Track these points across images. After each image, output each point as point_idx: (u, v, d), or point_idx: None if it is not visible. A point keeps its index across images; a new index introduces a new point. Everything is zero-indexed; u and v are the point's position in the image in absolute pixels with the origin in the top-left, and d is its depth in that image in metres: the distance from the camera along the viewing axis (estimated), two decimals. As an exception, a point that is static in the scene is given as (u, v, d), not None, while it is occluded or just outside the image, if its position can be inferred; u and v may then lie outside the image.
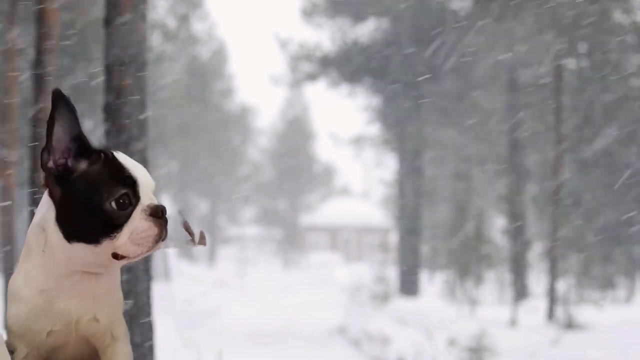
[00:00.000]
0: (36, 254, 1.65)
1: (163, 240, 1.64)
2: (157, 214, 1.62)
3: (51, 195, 1.62)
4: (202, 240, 1.81)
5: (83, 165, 1.60)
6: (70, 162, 1.60)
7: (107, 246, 1.59)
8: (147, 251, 1.62)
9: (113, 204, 1.58)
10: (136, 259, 1.64)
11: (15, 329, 1.67)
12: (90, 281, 1.66)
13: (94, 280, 1.66)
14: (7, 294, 1.70)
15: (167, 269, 27.64)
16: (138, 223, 1.59)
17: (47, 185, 1.62)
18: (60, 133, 1.59)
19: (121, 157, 1.64)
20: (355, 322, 15.84)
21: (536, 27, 16.14)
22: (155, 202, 1.64)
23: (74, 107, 1.61)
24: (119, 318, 1.73)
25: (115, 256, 1.61)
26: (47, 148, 1.59)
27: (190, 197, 40.45)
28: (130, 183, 1.60)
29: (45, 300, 1.64)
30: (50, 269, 1.63)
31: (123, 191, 1.59)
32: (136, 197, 1.60)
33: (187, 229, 1.79)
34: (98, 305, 1.68)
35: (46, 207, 1.64)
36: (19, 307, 1.65)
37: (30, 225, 1.69)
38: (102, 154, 1.62)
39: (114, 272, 1.72)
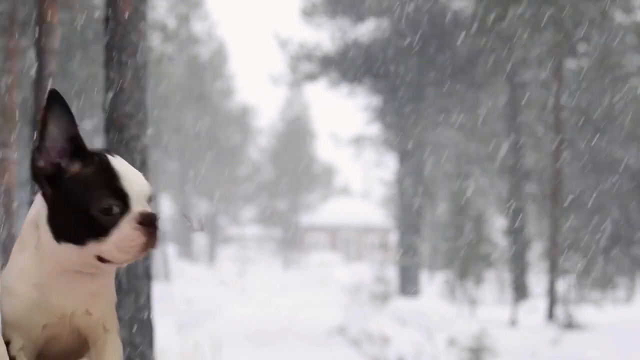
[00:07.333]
0: (29, 249, 1.65)
1: (152, 248, 1.61)
2: (146, 222, 1.58)
3: (44, 194, 1.62)
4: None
5: (76, 166, 1.59)
6: (64, 163, 1.59)
7: (93, 248, 1.58)
8: (133, 259, 1.61)
9: (99, 209, 1.56)
10: (122, 265, 1.64)
11: (10, 321, 1.68)
12: (84, 280, 1.66)
13: (88, 279, 1.66)
14: (1, 286, 1.70)
15: (167, 269, 27.65)
16: (126, 231, 1.57)
17: (38, 184, 1.62)
18: (57, 133, 1.58)
19: (116, 161, 1.61)
20: (355, 322, 15.84)
21: (536, 27, 16.14)
22: (148, 209, 1.60)
23: (69, 108, 1.59)
24: (112, 311, 1.74)
25: (101, 259, 1.60)
26: (39, 148, 1.58)
27: (190, 197, 40.45)
28: (120, 191, 1.57)
29: (39, 294, 1.65)
30: (43, 266, 1.64)
31: (111, 200, 1.57)
32: (125, 206, 1.58)
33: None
34: (92, 300, 1.68)
35: (40, 204, 1.64)
36: (14, 301, 1.66)
37: (25, 220, 1.69)
38: (97, 157, 1.60)
39: (109, 272, 1.72)
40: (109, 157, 1.61)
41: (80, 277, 1.65)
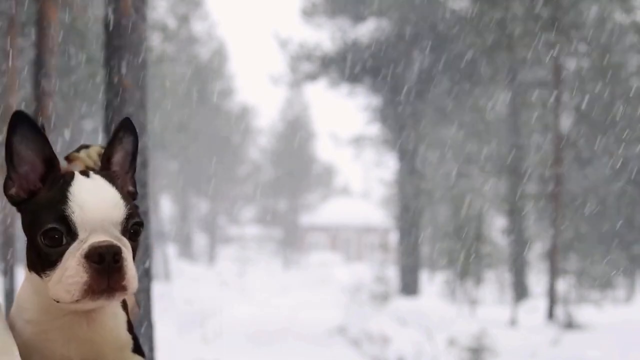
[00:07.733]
0: (27, 276, 1.48)
1: (107, 295, 1.34)
2: (94, 258, 1.32)
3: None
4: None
5: (42, 190, 1.42)
6: (37, 187, 1.43)
7: (46, 283, 1.37)
8: (79, 301, 1.34)
9: (42, 238, 1.36)
10: (75, 307, 1.38)
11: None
12: (79, 322, 1.45)
13: (84, 321, 1.45)
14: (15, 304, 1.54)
15: (167, 269, 27.64)
16: (68, 264, 1.34)
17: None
18: (30, 157, 1.42)
19: (83, 183, 1.39)
20: (355, 322, 15.84)
21: (536, 27, 16.14)
22: (106, 242, 1.34)
23: (39, 128, 1.42)
24: (129, 356, 1.54)
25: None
26: (10, 175, 1.43)
27: (190, 197, 40.45)
28: (62, 217, 1.35)
29: (33, 335, 1.46)
30: (39, 300, 1.44)
31: (51, 225, 1.35)
32: (71, 234, 1.35)
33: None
34: (99, 351, 1.48)
35: None
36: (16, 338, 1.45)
37: None
38: (63, 179, 1.40)
39: (108, 313, 1.49)
40: (79, 177, 1.41)
41: (75, 319, 1.44)
